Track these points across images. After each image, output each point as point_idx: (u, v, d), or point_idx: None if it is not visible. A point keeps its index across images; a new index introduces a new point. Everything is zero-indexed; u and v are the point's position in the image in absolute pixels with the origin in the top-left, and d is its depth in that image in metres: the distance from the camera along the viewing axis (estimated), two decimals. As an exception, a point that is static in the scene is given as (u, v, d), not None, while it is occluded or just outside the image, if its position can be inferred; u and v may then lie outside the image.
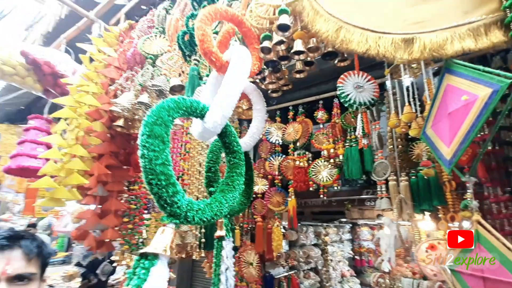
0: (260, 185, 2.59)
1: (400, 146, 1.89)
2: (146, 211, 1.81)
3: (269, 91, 1.35)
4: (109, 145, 1.56)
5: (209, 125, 0.86)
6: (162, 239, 0.85)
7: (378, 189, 2.00)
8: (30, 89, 2.38)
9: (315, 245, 4.81)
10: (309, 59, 1.35)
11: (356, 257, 6.38)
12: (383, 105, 2.13)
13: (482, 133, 1.56)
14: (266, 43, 1.31)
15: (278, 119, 2.70)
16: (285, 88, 1.38)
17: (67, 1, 2.62)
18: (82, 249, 3.25)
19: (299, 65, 1.25)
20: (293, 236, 3.82)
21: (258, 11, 1.42)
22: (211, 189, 1.03)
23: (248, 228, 2.74)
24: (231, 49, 1.12)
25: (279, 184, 2.55)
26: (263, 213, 2.57)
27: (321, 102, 2.43)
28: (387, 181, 1.90)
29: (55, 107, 2.07)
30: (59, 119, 1.69)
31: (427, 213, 1.95)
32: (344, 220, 5.49)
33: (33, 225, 4.78)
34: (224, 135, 0.93)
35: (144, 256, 0.80)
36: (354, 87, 1.84)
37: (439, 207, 1.79)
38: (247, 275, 2.57)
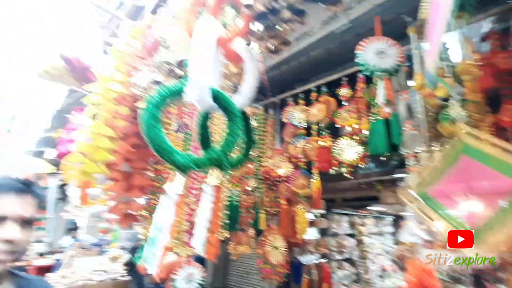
0: (285, 169, 2.56)
1: (430, 114, 1.70)
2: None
3: (269, 51, 1.31)
4: (133, 126, 1.68)
5: (190, 98, 0.93)
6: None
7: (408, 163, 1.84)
8: (71, 86, 2.65)
9: (350, 235, 4.60)
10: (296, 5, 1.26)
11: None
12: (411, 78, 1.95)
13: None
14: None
15: (301, 101, 2.63)
16: (283, 47, 1.33)
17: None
18: (126, 233, 3.55)
19: (286, 14, 1.18)
20: (323, 223, 3.71)
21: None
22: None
23: (274, 212, 2.73)
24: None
25: (304, 167, 2.49)
26: (287, 196, 2.54)
27: (345, 79, 2.32)
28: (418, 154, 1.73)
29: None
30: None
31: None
32: (382, 210, 5.15)
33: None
34: (217, 100, 0.97)
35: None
36: (375, 53, 1.72)
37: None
38: (272, 258, 2.57)
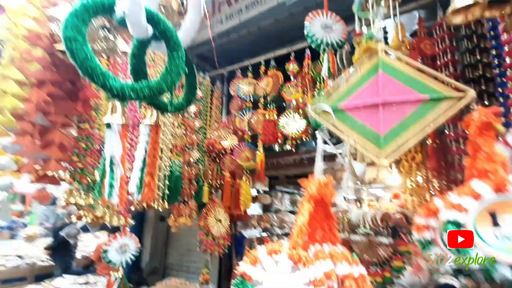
0: (229, 141, 2.52)
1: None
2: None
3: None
4: (51, 73, 1.42)
5: (119, 14, 0.84)
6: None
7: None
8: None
9: (291, 212, 4.89)
10: None
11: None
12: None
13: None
14: None
15: (250, 74, 2.60)
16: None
17: None
18: (45, 210, 3.12)
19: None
20: (266, 199, 3.85)
21: None
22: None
23: (217, 184, 2.70)
24: None
25: (249, 140, 2.50)
26: (231, 168, 2.52)
27: (293, 55, 2.36)
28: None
29: None
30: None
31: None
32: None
33: None
34: (155, 25, 0.86)
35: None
36: (321, 27, 1.76)
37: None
38: (214, 230, 2.56)
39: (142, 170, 1.39)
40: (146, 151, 1.33)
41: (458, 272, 0.74)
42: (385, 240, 1.97)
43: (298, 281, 0.46)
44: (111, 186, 1.17)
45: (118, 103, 1.21)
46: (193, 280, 3.33)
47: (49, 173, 1.55)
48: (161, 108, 1.13)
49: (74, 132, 1.64)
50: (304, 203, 0.59)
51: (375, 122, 0.95)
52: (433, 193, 1.73)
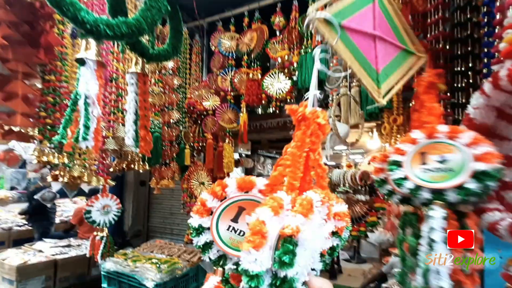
0: (211, 102, 2.42)
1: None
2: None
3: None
4: (5, 13, 1.22)
5: None
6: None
7: (330, 98, 1.95)
8: None
9: (272, 176, 5.00)
10: None
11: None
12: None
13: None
14: None
15: (232, 28, 2.41)
16: None
17: None
18: (15, 173, 2.95)
19: None
20: (249, 163, 3.86)
21: None
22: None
23: (199, 147, 2.64)
24: None
25: (232, 101, 2.40)
26: (214, 130, 2.45)
27: (279, 6, 2.19)
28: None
29: None
30: None
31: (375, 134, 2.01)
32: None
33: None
34: None
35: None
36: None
37: (384, 111, 1.82)
38: (197, 193, 2.56)
39: (135, 122, 1.29)
40: (137, 102, 1.22)
41: (403, 200, 0.88)
42: (362, 197, 2.06)
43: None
44: (86, 127, 1.06)
45: (92, 42, 1.05)
46: (177, 242, 3.42)
47: (16, 129, 1.41)
48: (145, 54, 1.01)
49: (38, 84, 1.47)
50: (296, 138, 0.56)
51: (373, 55, 0.91)
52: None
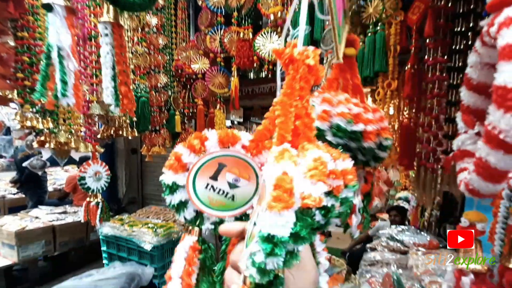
0: (200, 64, 2.30)
1: (353, 7, 1.67)
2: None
3: None
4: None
5: None
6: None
7: (325, 60, 1.86)
8: None
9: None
10: None
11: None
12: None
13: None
14: None
15: (221, -19, 2.21)
16: None
17: None
18: (0, 140, 2.87)
19: None
20: (240, 130, 3.84)
21: None
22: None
23: (190, 113, 2.57)
24: None
25: (222, 64, 2.28)
26: (204, 95, 2.36)
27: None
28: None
29: None
30: None
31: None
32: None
33: None
34: None
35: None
36: None
37: (379, 75, 1.76)
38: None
39: (113, 79, 1.20)
40: (113, 56, 1.12)
41: (358, 150, 0.83)
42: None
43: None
44: (63, 82, 0.99)
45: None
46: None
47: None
48: (117, 1, 0.90)
49: (11, 42, 1.35)
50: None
51: (340, 3, 0.83)
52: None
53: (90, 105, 1.81)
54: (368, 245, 2.41)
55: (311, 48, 0.41)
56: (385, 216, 3.51)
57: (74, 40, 1.09)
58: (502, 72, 0.59)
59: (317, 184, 0.33)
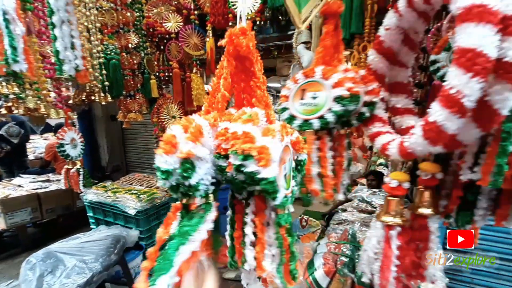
0: (173, 23, 2.16)
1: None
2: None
3: None
4: None
5: None
6: None
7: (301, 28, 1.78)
8: None
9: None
10: None
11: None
12: None
13: None
14: None
15: None
16: None
17: None
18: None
19: None
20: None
21: None
22: None
23: (166, 77, 2.47)
24: None
25: (196, 22, 2.15)
26: (179, 58, 2.26)
27: None
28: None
29: None
30: None
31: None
32: (279, 86, 5.58)
33: None
34: None
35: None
36: None
37: (355, 37, 1.71)
38: (169, 126, 2.52)
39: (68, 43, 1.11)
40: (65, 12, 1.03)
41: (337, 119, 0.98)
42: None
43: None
44: (12, 47, 0.94)
45: None
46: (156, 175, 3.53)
47: None
48: None
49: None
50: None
51: None
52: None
53: (55, 68, 1.72)
54: (340, 207, 2.55)
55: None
56: (364, 181, 3.67)
57: (19, 3, 1.00)
58: (470, 34, 0.57)
59: None
